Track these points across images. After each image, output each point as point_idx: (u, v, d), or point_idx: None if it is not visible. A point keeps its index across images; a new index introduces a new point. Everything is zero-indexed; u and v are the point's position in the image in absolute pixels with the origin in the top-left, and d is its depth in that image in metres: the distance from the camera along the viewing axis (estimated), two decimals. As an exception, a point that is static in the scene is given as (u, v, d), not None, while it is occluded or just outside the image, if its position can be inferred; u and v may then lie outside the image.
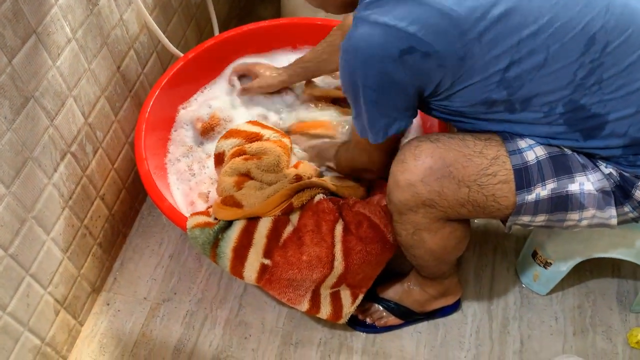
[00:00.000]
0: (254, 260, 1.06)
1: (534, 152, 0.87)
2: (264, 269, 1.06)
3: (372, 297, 1.21)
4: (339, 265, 1.04)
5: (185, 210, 1.21)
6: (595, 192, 0.87)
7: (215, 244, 1.07)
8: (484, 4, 0.77)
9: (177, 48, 1.41)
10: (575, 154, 0.88)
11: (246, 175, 1.17)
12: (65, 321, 1.18)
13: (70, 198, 1.13)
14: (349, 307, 1.11)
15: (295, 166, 1.20)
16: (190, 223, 1.08)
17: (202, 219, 1.09)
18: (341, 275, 1.05)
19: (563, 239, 1.13)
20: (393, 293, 1.19)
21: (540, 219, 0.90)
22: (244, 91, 1.37)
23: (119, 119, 1.27)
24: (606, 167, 0.87)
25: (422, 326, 1.22)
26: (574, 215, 0.89)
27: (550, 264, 1.17)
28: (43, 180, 1.04)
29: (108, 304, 1.28)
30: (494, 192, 0.87)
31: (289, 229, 1.07)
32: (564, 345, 1.19)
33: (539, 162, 0.86)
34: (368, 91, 0.84)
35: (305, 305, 1.09)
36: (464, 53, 0.78)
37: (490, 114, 0.86)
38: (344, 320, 1.12)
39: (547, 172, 0.86)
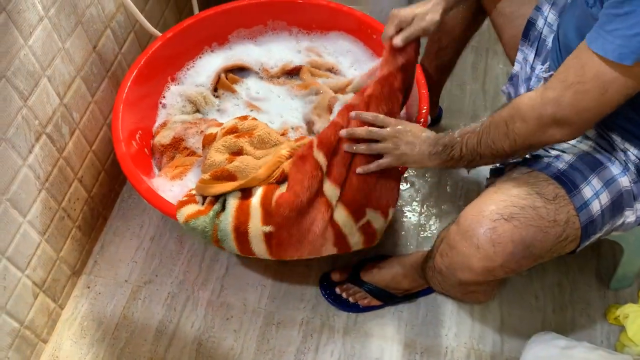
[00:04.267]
0: (256, 231, 1.02)
1: (598, 202, 0.85)
2: (269, 237, 1.02)
3: (356, 280, 1.21)
4: (336, 199, 1.01)
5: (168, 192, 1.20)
6: (634, 220, 0.89)
7: (214, 228, 1.04)
8: None
9: (155, 28, 1.39)
10: (633, 184, 0.88)
11: (238, 153, 1.14)
12: (45, 304, 1.17)
13: (47, 180, 1.11)
14: (382, 224, 1.06)
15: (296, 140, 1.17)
16: (181, 216, 1.05)
17: (192, 208, 1.06)
18: (350, 204, 1.01)
19: (542, 217, 1.13)
20: (379, 279, 1.19)
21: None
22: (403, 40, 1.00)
23: (96, 99, 1.25)
24: None
25: (404, 305, 1.22)
26: (603, 237, 0.92)
27: (530, 242, 1.18)
28: (17, 162, 1.02)
29: (89, 287, 1.27)
30: (561, 250, 0.87)
31: (280, 190, 1.04)
32: (544, 322, 1.20)
33: (602, 212, 0.86)
34: None
35: (331, 249, 1.05)
36: None
37: None
38: (379, 239, 1.08)
39: (607, 218, 0.87)
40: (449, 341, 1.18)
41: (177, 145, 1.23)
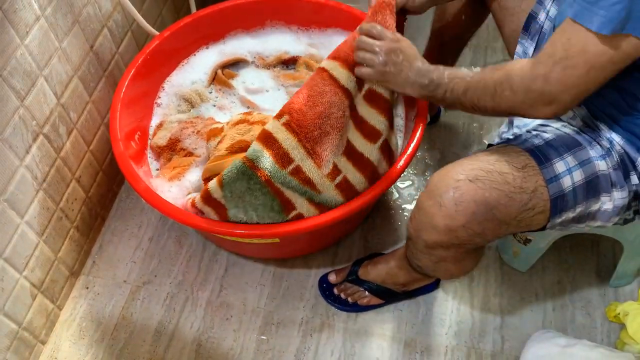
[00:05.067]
0: (275, 125, 0.99)
1: (571, 178, 0.84)
2: (287, 124, 0.99)
3: (354, 280, 1.21)
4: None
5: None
6: (611, 209, 0.87)
7: (245, 159, 0.98)
8: None
9: (153, 27, 1.38)
10: (612, 170, 0.86)
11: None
12: (43, 305, 1.16)
13: (45, 180, 1.11)
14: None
15: None
16: (213, 186, 1.00)
17: (213, 179, 1.02)
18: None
19: (542, 215, 1.13)
20: (376, 275, 1.19)
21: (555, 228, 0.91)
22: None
23: (93, 99, 1.24)
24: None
25: (403, 304, 1.22)
26: (581, 225, 0.90)
27: (530, 240, 1.17)
28: (14, 162, 1.01)
29: (87, 288, 1.27)
30: (530, 222, 0.86)
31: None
32: (544, 320, 1.20)
33: (574, 189, 0.85)
34: None
35: (342, 99, 1.01)
36: None
37: None
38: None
39: (580, 197, 0.86)
40: (449, 340, 1.18)
41: (173, 146, 1.23)
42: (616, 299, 1.22)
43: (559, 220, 0.87)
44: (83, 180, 1.25)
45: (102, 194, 1.34)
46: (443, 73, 0.91)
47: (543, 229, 0.89)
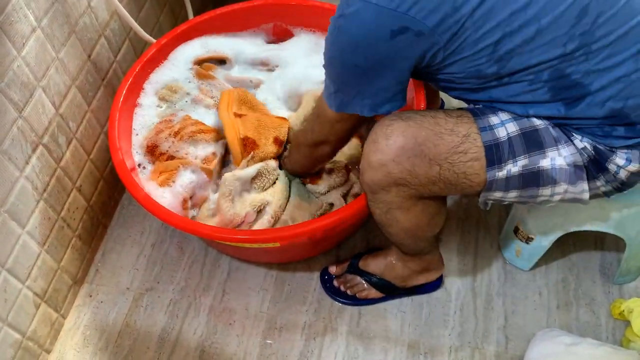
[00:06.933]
0: None
1: (505, 129, 0.87)
2: None
3: (354, 269, 1.21)
4: None
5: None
6: (567, 167, 0.86)
7: None
8: None
9: (151, 34, 1.39)
10: (550, 127, 0.87)
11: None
12: (47, 315, 1.17)
13: (45, 190, 1.11)
14: None
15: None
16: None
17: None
18: None
19: (543, 213, 1.12)
20: (375, 267, 1.20)
21: (512, 195, 0.90)
22: None
23: (92, 108, 1.25)
24: (581, 141, 0.87)
25: (406, 305, 1.22)
26: (545, 191, 0.89)
27: (532, 239, 1.17)
28: (14, 174, 1.02)
29: (90, 296, 1.27)
30: (465, 169, 0.87)
31: None
32: (548, 319, 1.19)
33: (510, 139, 0.86)
34: (357, 70, 0.83)
35: None
36: (457, 29, 0.78)
37: (478, 85, 0.87)
38: None
39: (519, 148, 0.86)
40: (452, 341, 1.17)
41: (152, 152, 1.21)
42: (621, 296, 1.21)
43: (500, 173, 0.87)
44: (84, 189, 1.25)
45: (103, 202, 1.34)
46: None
47: (490, 187, 0.88)
